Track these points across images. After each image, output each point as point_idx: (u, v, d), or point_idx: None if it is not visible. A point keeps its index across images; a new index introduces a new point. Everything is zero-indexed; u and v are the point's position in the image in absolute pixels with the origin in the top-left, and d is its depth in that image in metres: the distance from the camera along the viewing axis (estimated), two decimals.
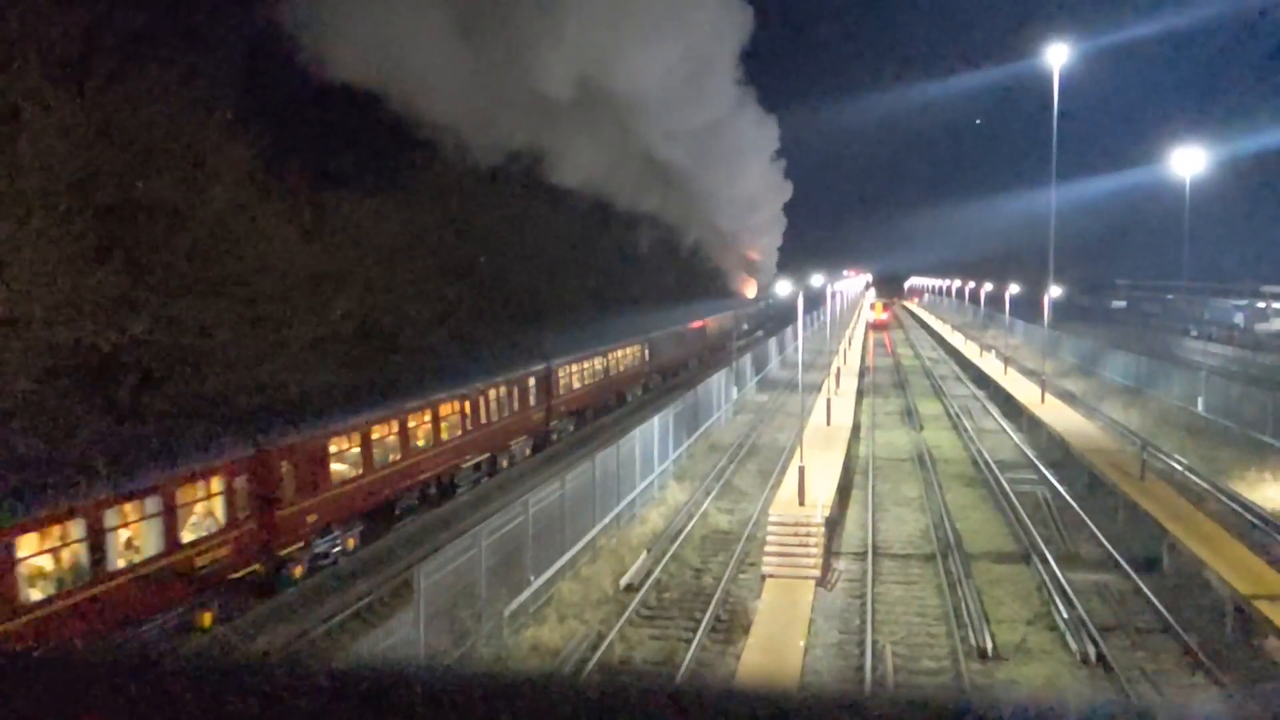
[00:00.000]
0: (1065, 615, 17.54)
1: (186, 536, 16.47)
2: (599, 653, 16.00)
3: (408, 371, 29.87)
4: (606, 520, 22.32)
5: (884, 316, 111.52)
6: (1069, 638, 16.63)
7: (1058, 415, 36.40)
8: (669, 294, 70.18)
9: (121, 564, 14.99)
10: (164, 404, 23.76)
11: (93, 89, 23.55)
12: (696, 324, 57.49)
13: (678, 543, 22.34)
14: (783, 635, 16.45)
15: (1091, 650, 15.96)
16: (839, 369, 46.89)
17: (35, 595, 13.71)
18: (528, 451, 31.79)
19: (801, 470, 22.39)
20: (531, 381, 31.53)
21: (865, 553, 21.74)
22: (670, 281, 77.29)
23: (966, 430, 38.37)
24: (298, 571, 19.29)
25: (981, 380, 53.14)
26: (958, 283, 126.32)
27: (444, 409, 25.65)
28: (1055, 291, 48.23)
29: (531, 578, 17.93)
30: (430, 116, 45.43)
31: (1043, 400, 39.46)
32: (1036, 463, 31.67)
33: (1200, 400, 36.91)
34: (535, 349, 33.61)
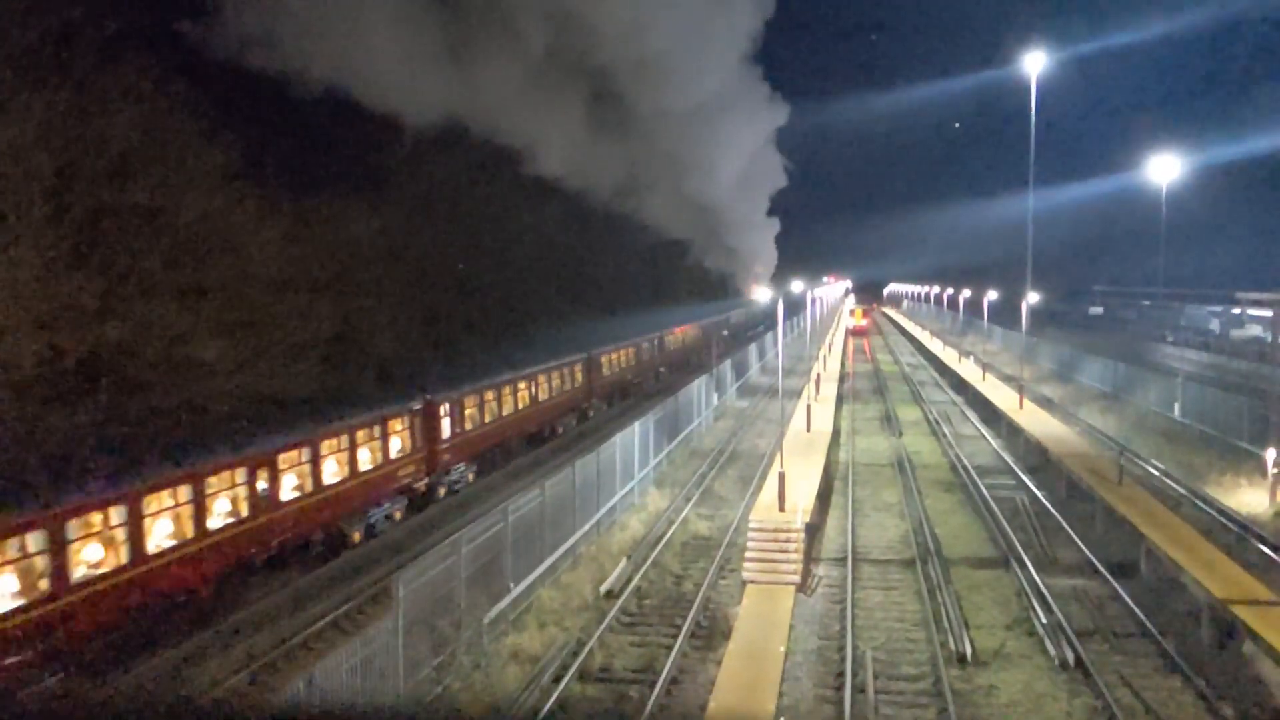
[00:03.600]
0: (1044, 620, 17.65)
1: (548, 394, 34.91)
2: (579, 660, 15.95)
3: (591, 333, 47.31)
4: (586, 527, 22.26)
5: (863, 323, 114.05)
6: (1048, 642, 16.72)
7: (1036, 421, 36.62)
8: (668, 295, 74.35)
9: (522, 405, 32.59)
10: (143, 410, 23.48)
11: (68, 93, 23.28)
12: (723, 315, 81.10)
13: (658, 549, 22.33)
14: (763, 641, 16.46)
15: (1070, 655, 16.06)
16: (819, 375, 47.01)
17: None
18: (654, 381, 52.06)
19: (782, 476, 22.43)
20: (656, 341, 53.91)
21: (845, 558, 21.79)
22: (680, 282, 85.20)
23: (945, 436, 38.56)
24: (591, 411, 40.59)
25: (960, 386, 53.42)
26: (936, 289, 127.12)
27: (629, 351, 47.61)
28: (1033, 298, 48.47)
29: (511, 585, 17.86)
30: (408, 103, 44.91)
31: (1021, 406, 39.71)
32: (1015, 468, 31.85)
33: (1177, 406, 37.19)
34: (653, 324, 54.82)
